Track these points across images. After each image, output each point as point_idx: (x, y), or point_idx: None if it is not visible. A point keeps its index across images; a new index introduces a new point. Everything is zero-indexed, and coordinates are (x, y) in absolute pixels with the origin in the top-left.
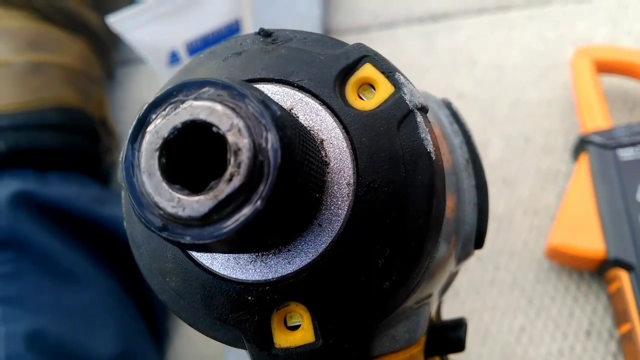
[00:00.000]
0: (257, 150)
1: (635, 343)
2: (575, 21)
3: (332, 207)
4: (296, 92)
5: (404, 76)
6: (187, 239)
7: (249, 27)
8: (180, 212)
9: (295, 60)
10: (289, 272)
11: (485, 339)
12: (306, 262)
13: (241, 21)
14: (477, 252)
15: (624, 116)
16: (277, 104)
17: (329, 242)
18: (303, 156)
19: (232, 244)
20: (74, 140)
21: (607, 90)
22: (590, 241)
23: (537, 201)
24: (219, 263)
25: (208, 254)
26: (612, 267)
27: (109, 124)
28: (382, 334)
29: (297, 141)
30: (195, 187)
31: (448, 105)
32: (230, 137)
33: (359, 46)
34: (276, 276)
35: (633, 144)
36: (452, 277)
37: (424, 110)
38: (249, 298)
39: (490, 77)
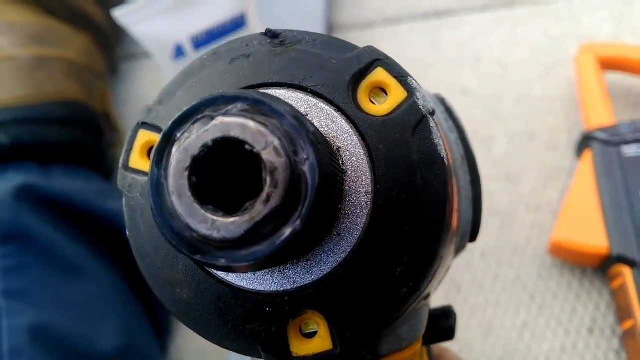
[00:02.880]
0: (293, 170)
1: (638, 339)
2: (579, 18)
3: (351, 216)
4: (310, 98)
5: (416, 81)
6: (222, 262)
7: (254, 21)
8: (215, 235)
9: (306, 64)
10: (307, 282)
11: (488, 335)
12: (325, 272)
13: (246, 15)
14: (480, 249)
15: (627, 113)
16: (308, 120)
17: (348, 251)
18: (332, 170)
19: (267, 264)
20: (78, 134)
21: (611, 87)
22: (594, 237)
23: (540, 197)
24: (234, 274)
25: None
26: (615, 264)
27: (112, 119)
28: (389, 334)
29: (327, 156)
30: (227, 207)
31: (442, 102)
32: (266, 156)
33: (370, 49)
34: (295, 287)
35: (637, 141)
36: (447, 270)
37: (434, 114)
38: (267, 309)
39: (495, 74)
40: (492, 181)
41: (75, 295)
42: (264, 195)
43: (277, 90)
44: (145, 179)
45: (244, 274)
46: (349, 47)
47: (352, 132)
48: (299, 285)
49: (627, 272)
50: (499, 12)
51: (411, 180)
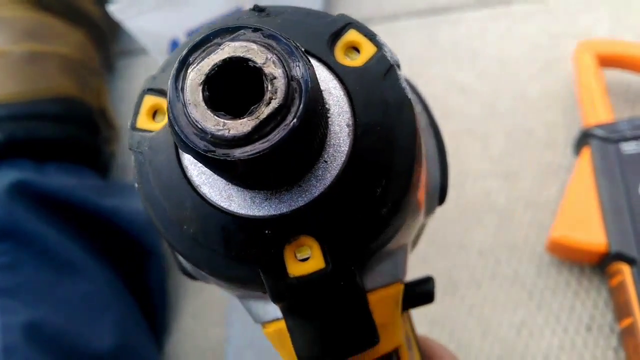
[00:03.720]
0: (289, 78)
1: (637, 337)
2: (577, 15)
3: (336, 146)
4: None
5: (382, 39)
6: (235, 155)
7: None
8: (226, 134)
9: (290, 28)
10: (300, 204)
11: (486, 333)
12: (315, 195)
13: (242, 9)
14: (478, 246)
15: (626, 110)
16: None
17: (334, 175)
18: (320, 89)
19: (269, 163)
20: (73, 130)
21: (609, 84)
22: (592, 235)
23: (538, 195)
24: (236, 204)
25: (226, 196)
26: (614, 261)
27: (108, 115)
28: (372, 270)
29: (315, 77)
30: (236, 114)
31: (406, 80)
32: (266, 69)
33: (343, 16)
34: (290, 209)
35: (636, 138)
36: (421, 229)
37: (399, 67)
38: (266, 232)
39: (492, 71)
40: (490, 178)
41: (71, 293)
42: (266, 99)
43: None
44: (153, 134)
45: (245, 202)
46: (325, 15)
47: (333, 78)
48: (293, 208)
49: (625, 270)
50: (497, 9)
51: (385, 115)
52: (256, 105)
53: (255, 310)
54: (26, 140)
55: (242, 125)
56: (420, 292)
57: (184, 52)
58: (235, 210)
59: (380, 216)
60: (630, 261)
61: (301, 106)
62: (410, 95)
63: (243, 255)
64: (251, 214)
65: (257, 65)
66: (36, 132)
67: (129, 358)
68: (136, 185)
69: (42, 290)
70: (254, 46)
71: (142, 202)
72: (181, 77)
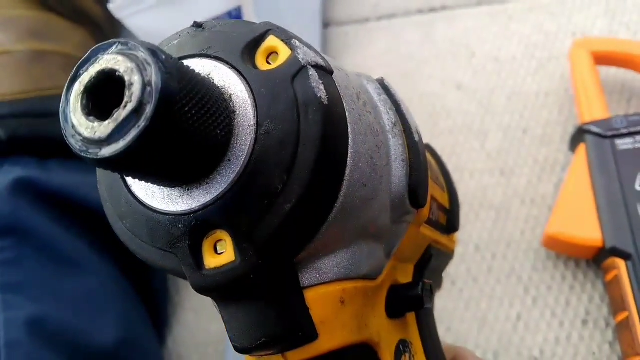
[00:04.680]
0: (145, 84)
1: (632, 331)
2: (573, 13)
3: (239, 145)
4: (213, 62)
5: (301, 41)
6: (101, 154)
7: (250, 15)
8: (93, 135)
9: (214, 40)
10: (208, 200)
11: (483, 327)
12: (221, 191)
13: (242, 8)
14: (475, 242)
15: (621, 107)
16: (167, 54)
17: (237, 172)
18: (192, 94)
19: (140, 160)
20: None
21: (605, 81)
22: (588, 230)
23: (534, 191)
24: (157, 200)
25: (150, 194)
26: (609, 256)
27: None
28: (308, 266)
29: (186, 82)
30: (105, 119)
31: (380, 82)
32: (127, 77)
33: (266, 23)
34: (199, 205)
35: (631, 134)
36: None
37: (321, 68)
38: (180, 226)
39: (489, 69)
40: (487, 175)
41: (73, 289)
42: (123, 104)
43: (191, 60)
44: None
45: (163, 199)
46: (250, 24)
47: (241, 82)
48: (201, 203)
49: (620, 265)
50: (493, 7)
51: (288, 114)
52: (116, 110)
53: None
54: (30, 137)
55: (104, 128)
56: (407, 297)
57: (74, 69)
58: (155, 206)
59: (285, 211)
60: (626, 256)
61: (151, 108)
62: (323, 93)
63: (165, 248)
64: (167, 209)
65: (120, 74)
66: (39, 129)
67: (131, 352)
68: (98, 186)
69: (45, 286)
70: (120, 57)
71: (101, 201)
72: (70, 91)
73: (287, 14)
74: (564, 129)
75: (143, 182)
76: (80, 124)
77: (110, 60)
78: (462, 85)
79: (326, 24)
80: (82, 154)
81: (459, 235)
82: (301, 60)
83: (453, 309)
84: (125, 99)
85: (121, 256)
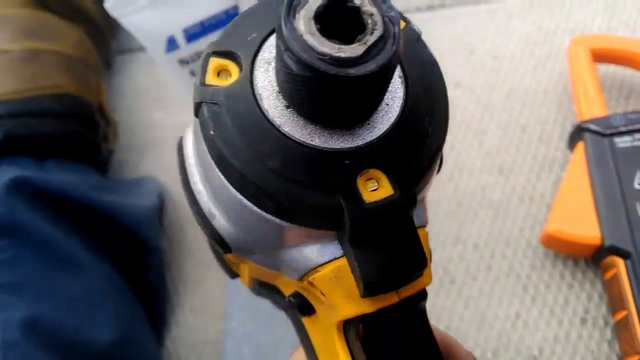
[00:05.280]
0: (382, 13)
1: (631, 330)
2: (572, 11)
3: (393, 92)
4: None
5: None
6: (351, 72)
7: None
8: (342, 55)
9: None
10: (372, 138)
11: (482, 326)
12: (384, 130)
13: (239, 6)
14: (474, 240)
15: (620, 105)
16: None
17: (396, 115)
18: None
19: (373, 84)
20: (72, 127)
21: (604, 79)
22: (586, 228)
23: (533, 189)
24: (317, 139)
25: (307, 133)
26: (608, 255)
27: (106, 112)
28: (417, 207)
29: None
30: (343, 41)
31: None
32: (364, 7)
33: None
34: (364, 142)
35: (630, 132)
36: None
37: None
38: (346, 162)
39: (488, 66)
40: (485, 173)
41: (70, 289)
42: (369, 30)
43: None
44: (226, 87)
45: (324, 137)
46: None
47: None
48: (366, 141)
49: (619, 263)
50: (492, 4)
51: (425, 70)
52: (362, 35)
53: (307, 255)
54: (26, 137)
55: (353, 49)
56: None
57: None
58: (317, 144)
59: (432, 151)
60: (625, 254)
61: (397, 35)
62: (434, 57)
63: (324, 185)
64: (332, 146)
65: (356, 5)
66: (36, 129)
67: (128, 352)
68: (211, 132)
69: (42, 286)
70: None
71: (220, 148)
72: (291, 14)
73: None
74: (563, 127)
75: (300, 122)
76: (322, 45)
77: None
78: (461, 83)
79: None
80: (330, 71)
81: (457, 233)
82: (415, 29)
83: (452, 307)
84: (370, 26)
85: (119, 256)
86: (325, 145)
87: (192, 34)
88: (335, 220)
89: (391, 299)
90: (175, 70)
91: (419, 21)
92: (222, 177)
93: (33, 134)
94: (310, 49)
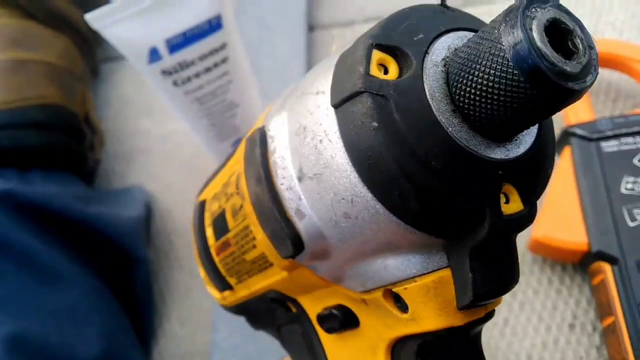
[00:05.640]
0: (586, 44)
1: (619, 336)
2: None
3: None
4: (467, 33)
5: None
6: (570, 86)
7: (231, 22)
8: (567, 69)
9: (459, 16)
10: (517, 154)
11: None
12: (526, 149)
13: (222, 16)
14: None
15: (607, 108)
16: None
17: (534, 134)
18: None
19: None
20: (58, 138)
21: None
22: (573, 234)
23: None
24: (479, 146)
25: (468, 138)
26: (595, 260)
27: (93, 121)
28: None
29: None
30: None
31: None
32: (576, 31)
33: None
34: (512, 157)
35: (616, 136)
36: None
37: None
38: (500, 172)
39: None
40: None
41: (55, 302)
42: (581, 52)
43: (456, 32)
44: (396, 81)
45: (482, 146)
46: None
47: None
48: (513, 156)
49: (607, 269)
50: (479, 8)
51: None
52: (578, 54)
53: (399, 265)
54: (10, 148)
55: (573, 66)
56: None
57: (524, 3)
58: (479, 151)
59: (549, 172)
60: (612, 260)
61: (596, 64)
62: None
63: (476, 191)
64: (490, 155)
65: (570, 28)
66: (21, 140)
67: None
68: (374, 124)
69: (26, 301)
70: (565, 14)
71: (367, 141)
72: (526, 24)
73: (271, 17)
74: None
75: (463, 127)
76: (552, 56)
77: (556, 12)
78: None
79: (311, 27)
80: (560, 82)
81: None
82: None
83: None
84: (582, 47)
85: (104, 267)
86: (485, 154)
87: (175, 45)
88: (466, 229)
89: (479, 313)
90: (158, 81)
91: None
92: (357, 175)
93: (17, 145)
94: (543, 57)
